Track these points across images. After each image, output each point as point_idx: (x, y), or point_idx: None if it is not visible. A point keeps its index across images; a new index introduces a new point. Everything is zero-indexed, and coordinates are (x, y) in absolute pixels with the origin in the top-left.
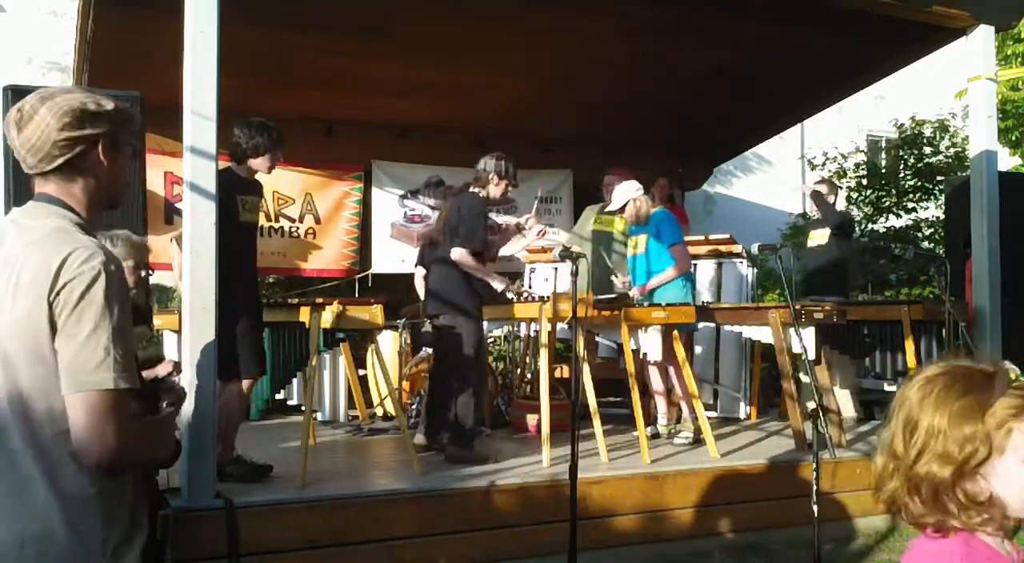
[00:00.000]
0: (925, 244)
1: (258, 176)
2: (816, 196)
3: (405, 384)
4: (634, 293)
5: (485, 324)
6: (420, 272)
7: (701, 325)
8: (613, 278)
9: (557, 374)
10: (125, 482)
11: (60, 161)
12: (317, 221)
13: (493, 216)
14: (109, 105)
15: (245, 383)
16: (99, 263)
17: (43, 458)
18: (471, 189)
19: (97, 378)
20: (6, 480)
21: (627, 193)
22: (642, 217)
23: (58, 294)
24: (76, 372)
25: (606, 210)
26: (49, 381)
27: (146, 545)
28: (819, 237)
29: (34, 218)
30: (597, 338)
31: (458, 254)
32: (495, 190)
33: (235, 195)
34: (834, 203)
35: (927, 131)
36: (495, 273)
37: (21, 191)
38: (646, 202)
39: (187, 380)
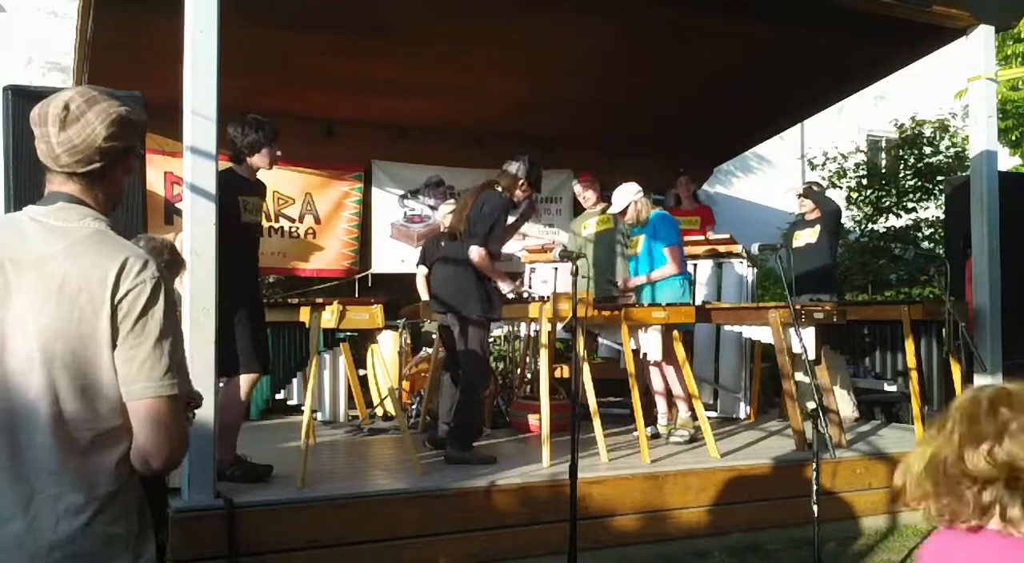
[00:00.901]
0: (925, 244)
1: (261, 173)
2: (809, 191)
3: (405, 384)
4: (621, 284)
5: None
6: (422, 271)
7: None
8: (610, 280)
9: (557, 374)
10: (136, 481)
11: (96, 166)
12: (317, 221)
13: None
14: (143, 116)
15: (246, 381)
16: (156, 271)
17: (73, 458)
18: (496, 188)
19: (165, 384)
20: (32, 480)
21: (628, 195)
22: (643, 219)
23: (120, 302)
24: (143, 380)
25: (607, 211)
26: (95, 385)
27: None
28: (807, 236)
29: (68, 219)
30: (599, 339)
31: (476, 254)
32: (520, 194)
33: (236, 196)
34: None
35: (927, 131)
36: (505, 274)
37: (21, 191)
38: (646, 204)
39: None
